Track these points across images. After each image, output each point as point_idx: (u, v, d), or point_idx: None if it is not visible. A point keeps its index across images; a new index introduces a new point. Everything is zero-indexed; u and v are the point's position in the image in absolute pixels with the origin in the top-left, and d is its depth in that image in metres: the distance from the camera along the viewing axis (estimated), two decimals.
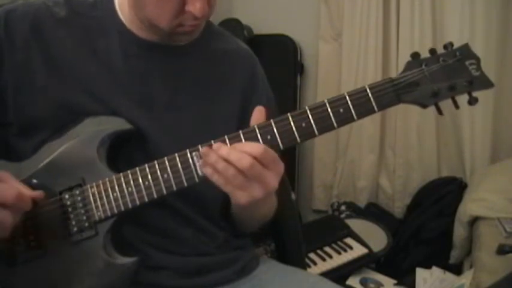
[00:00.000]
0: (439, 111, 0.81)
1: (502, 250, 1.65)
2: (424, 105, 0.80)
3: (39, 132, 0.88)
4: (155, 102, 0.90)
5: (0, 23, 0.88)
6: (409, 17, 2.29)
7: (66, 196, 0.85)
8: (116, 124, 0.86)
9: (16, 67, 0.88)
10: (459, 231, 1.99)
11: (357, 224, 2.21)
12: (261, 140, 0.78)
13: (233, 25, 2.45)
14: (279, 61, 2.55)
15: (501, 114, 2.26)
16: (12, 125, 0.89)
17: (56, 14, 0.91)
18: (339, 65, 2.50)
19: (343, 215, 2.42)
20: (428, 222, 2.19)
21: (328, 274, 1.91)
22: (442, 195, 2.22)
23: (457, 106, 0.80)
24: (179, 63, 0.92)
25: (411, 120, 2.36)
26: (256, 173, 0.75)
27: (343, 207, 2.48)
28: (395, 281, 2.05)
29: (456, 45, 0.81)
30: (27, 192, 0.79)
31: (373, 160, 2.49)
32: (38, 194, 0.81)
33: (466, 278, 1.72)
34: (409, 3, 2.28)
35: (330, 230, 2.15)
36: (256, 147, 0.75)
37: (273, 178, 0.77)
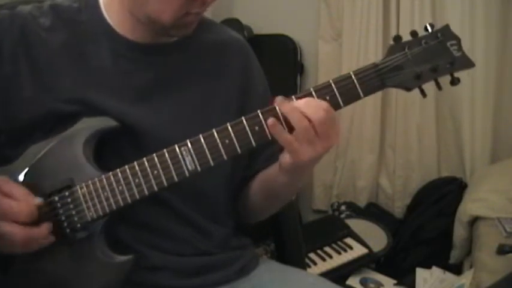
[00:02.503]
0: (423, 94, 0.82)
1: (502, 250, 1.65)
2: (408, 89, 0.81)
3: (30, 139, 0.87)
4: (147, 101, 0.90)
5: None
6: (409, 17, 2.28)
7: (56, 198, 0.84)
8: (101, 122, 0.86)
9: (3, 79, 0.87)
10: (459, 231, 1.99)
11: (357, 224, 2.21)
12: (249, 131, 0.79)
13: (233, 25, 2.45)
14: (279, 61, 2.55)
15: (501, 114, 2.25)
16: (0, 134, 0.89)
17: (42, 24, 0.90)
18: (339, 65, 2.50)
19: (343, 215, 2.42)
20: (428, 222, 2.19)
21: (328, 274, 1.91)
22: (442, 195, 2.21)
23: (439, 87, 0.82)
24: (170, 62, 0.92)
25: (411, 120, 2.35)
26: (325, 128, 0.76)
27: (343, 207, 2.48)
28: (395, 281, 2.05)
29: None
30: (32, 200, 0.80)
31: (373, 160, 2.48)
32: (40, 201, 0.81)
33: (466, 278, 1.72)
34: (409, 3, 2.28)
35: (330, 230, 2.15)
36: (326, 103, 0.77)
37: (335, 135, 0.78)
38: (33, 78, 0.88)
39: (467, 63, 0.80)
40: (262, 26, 2.64)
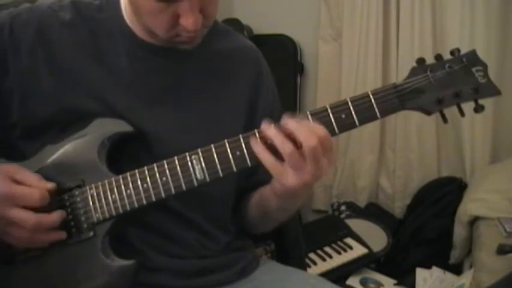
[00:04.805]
0: (444, 119, 0.80)
1: (502, 250, 1.65)
2: (428, 112, 0.79)
3: (46, 134, 0.88)
4: (161, 104, 0.90)
5: (5, 29, 0.88)
6: (409, 17, 2.28)
7: (66, 197, 0.85)
8: (117, 126, 0.86)
9: (21, 73, 0.87)
10: (459, 231, 1.99)
11: (357, 224, 2.21)
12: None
13: (233, 25, 2.45)
14: (279, 61, 2.54)
15: (501, 114, 2.25)
16: (16, 128, 0.89)
17: (62, 19, 0.90)
18: (339, 65, 2.50)
19: (343, 215, 2.42)
20: (428, 222, 2.19)
21: (328, 274, 1.91)
22: (442, 195, 2.22)
23: (462, 114, 0.79)
24: (184, 65, 0.92)
25: (411, 120, 2.35)
26: (316, 155, 0.73)
27: (343, 207, 2.48)
28: (395, 281, 2.05)
29: (457, 44, 0.80)
30: (45, 185, 0.81)
31: (373, 160, 2.48)
32: (52, 185, 0.82)
33: (466, 278, 1.72)
34: (409, 3, 2.27)
35: (330, 230, 2.15)
36: (323, 129, 0.74)
37: (326, 165, 0.75)
38: (51, 74, 0.88)
39: (493, 91, 0.78)
40: (262, 26, 2.63)
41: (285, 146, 0.74)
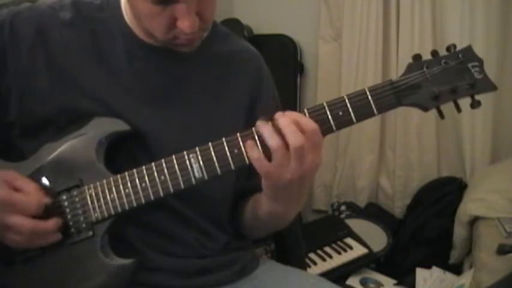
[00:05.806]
0: (441, 115, 0.80)
1: (502, 250, 1.65)
2: (425, 108, 0.79)
3: (44, 133, 0.88)
4: (161, 104, 0.90)
5: (5, 27, 0.87)
6: (409, 17, 2.28)
7: (64, 197, 0.85)
8: (114, 125, 0.86)
9: (20, 72, 0.87)
10: (459, 231, 1.99)
11: (357, 224, 2.21)
12: (259, 145, 0.78)
13: (233, 25, 2.45)
14: (279, 61, 2.55)
15: (501, 114, 2.25)
16: (14, 127, 0.89)
17: (62, 19, 0.90)
18: (339, 65, 2.50)
19: (343, 215, 2.42)
20: (428, 222, 2.19)
21: (328, 274, 1.91)
22: (442, 195, 2.22)
23: (459, 110, 0.79)
24: (184, 66, 0.92)
25: (411, 120, 2.35)
26: (302, 153, 0.74)
27: (343, 207, 2.48)
28: (395, 281, 2.05)
29: (457, 44, 0.80)
30: (42, 198, 0.81)
31: (373, 160, 2.48)
32: (48, 201, 0.82)
33: (466, 278, 1.72)
34: (409, 3, 2.27)
35: (330, 230, 2.15)
36: (311, 125, 0.75)
37: (311, 162, 0.76)
38: (50, 73, 0.88)
39: (489, 86, 0.78)
40: (262, 26, 2.64)
41: (272, 141, 0.74)
